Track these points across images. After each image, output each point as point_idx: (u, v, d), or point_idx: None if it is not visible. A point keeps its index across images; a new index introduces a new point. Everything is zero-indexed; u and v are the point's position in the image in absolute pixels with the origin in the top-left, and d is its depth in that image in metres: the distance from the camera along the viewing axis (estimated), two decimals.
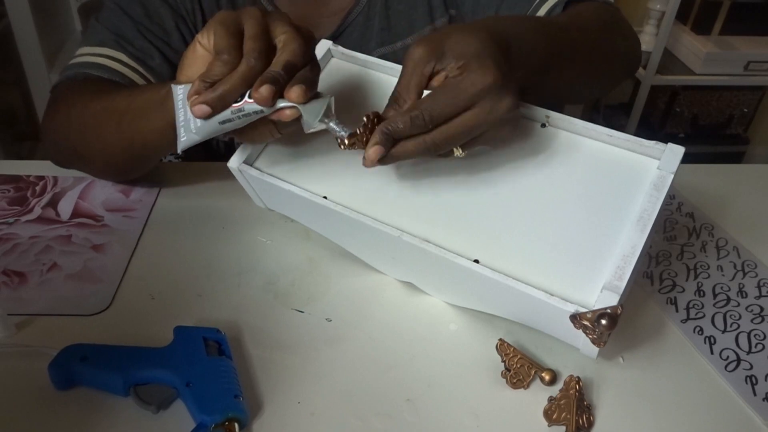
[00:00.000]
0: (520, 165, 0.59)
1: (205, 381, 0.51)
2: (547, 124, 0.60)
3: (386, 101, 0.54)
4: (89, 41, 0.76)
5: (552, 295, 0.51)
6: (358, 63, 0.67)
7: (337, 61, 0.68)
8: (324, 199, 0.59)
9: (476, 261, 0.54)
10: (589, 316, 0.50)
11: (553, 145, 0.59)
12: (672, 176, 0.55)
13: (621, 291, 0.50)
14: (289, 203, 0.66)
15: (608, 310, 0.49)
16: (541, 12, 0.76)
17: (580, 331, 0.51)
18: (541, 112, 0.60)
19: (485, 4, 0.81)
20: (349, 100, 0.65)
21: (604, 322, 0.49)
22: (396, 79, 0.54)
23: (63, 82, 0.75)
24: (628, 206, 0.55)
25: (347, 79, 0.67)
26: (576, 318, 0.50)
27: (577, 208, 0.56)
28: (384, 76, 0.66)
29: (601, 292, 0.51)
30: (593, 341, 0.51)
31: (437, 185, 0.59)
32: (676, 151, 0.55)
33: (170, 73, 0.77)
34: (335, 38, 0.82)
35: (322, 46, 0.67)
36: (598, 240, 0.54)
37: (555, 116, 0.60)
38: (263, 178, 0.61)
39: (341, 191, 0.60)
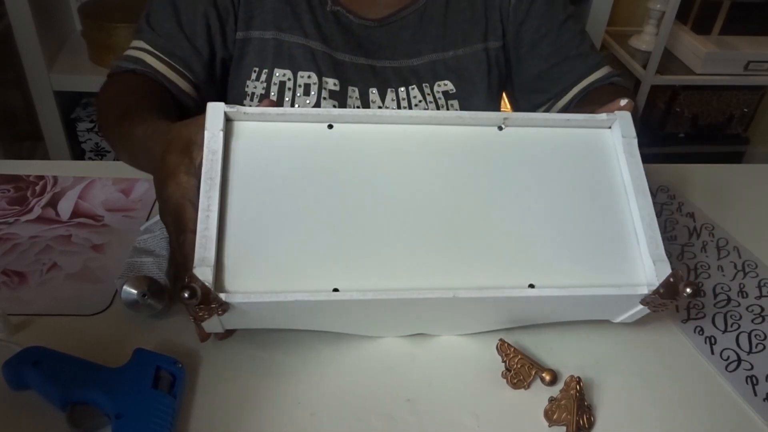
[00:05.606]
0: (504, 177, 0.56)
1: (135, 416, 0.48)
2: (503, 126, 0.58)
3: (313, 153, 0.55)
4: (134, 35, 0.81)
5: (620, 286, 0.53)
6: (269, 119, 0.55)
7: (243, 124, 0.55)
8: (336, 293, 0.50)
9: (531, 286, 0.52)
10: (662, 291, 0.52)
11: (520, 146, 0.57)
12: (636, 139, 0.57)
13: (666, 257, 0.53)
14: (274, 314, 0.55)
15: (671, 279, 0.52)
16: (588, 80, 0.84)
17: (637, 308, 0.55)
18: (499, 116, 0.57)
19: (542, 53, 0.86)
20: (279, 164, 0.54)
21: (689, 290, 0.51)
22: (315, 125, 0.55)
23: (110, 76, 0.80)
24: (617, 181, 0.57)
25: (267, 142, 0.54)
26: (648, 299, 0.53)
27: (575, 201, 0.56)
28: (301, 125, 0.55)
29: (655, 265, 0.53)
30: (653, 310, 0.55)
31: (431, 233, 0.54)
32: (623, 116, 0.58)
33: (198, 58, 0.79)
34: (386, 24, 0.83)
35: (215, 111, 0.53)
36: (613, 222, 0.55)
37: (512, 117, 0.57)
38: (253, 300, 0.49)
39: (345, 279, 0.51)
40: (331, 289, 0.50)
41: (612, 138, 0.58)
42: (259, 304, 0.49)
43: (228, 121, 0.54)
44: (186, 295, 0.46)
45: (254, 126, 0.55)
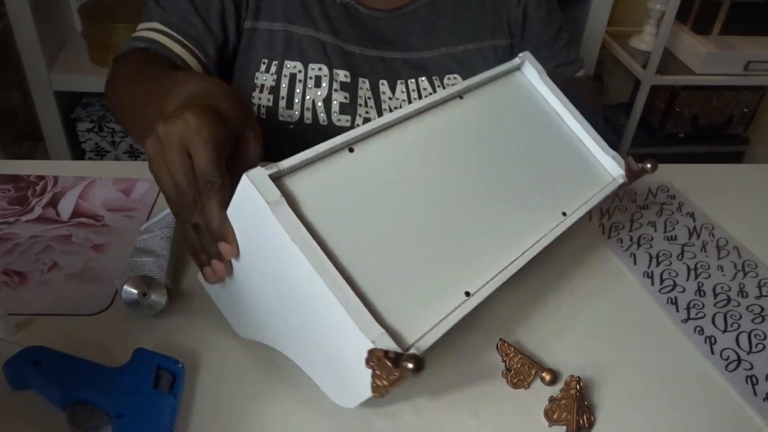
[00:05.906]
0: (494, 140, 0.62)
1: (136, 416, 0.48)
2: (462, 96, 0.63)
3: (356, 176, 0.52)
4: (143, 18, 0.80)
5: (608, 185, 0.66)
6: (303, 164, 0.50)
7: (288, 180, 0.49)
8: (470, 296, 0.51)
9: (564, 214, 0.61)
10: (629, 176, 0.67)
11: (481, 109, 0.63)
12: (545, 72, 0.68)
13: (614, 151, 0.67)
14: None
15: (629, 165, 0.67)
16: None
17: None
18: (455, 89, 0.62)
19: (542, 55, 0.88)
20: (343, 199, 0.51)
21: (649, 165, 0.67)
22: (340, 153, 0.52)
23: (118, 56, 0.78)
24: (548, 109, 0.67)
25: (319, 185, 0.50)
26: (624, 184, 0.67)
27: (540, 139, 0.64)
28: (331, 157, 0.52)
29: (615, 160, 0.67)
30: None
31: (487, 206, 0.57)
32: (528, 55, 0.68)
33: (212, 40, 0.78)
34: (396, 17, 0.83)
35: (260, 178, 0.46)
36: (568, 142, 0.66)
37: (461, 85, 0.63)
38: (432, 339, 0.48)
39: (469, 281, 0.52)
40: (464, 293, 0.51)
41: (527, 75, 0.68)
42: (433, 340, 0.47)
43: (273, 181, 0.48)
44: (411, 366, 0.41)
45: (298, 176, 0.50)
